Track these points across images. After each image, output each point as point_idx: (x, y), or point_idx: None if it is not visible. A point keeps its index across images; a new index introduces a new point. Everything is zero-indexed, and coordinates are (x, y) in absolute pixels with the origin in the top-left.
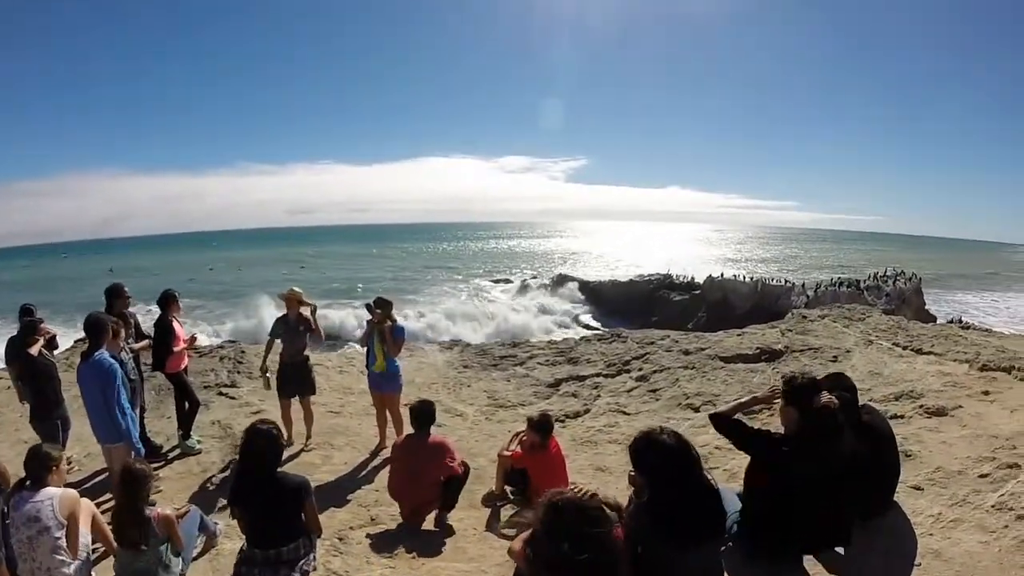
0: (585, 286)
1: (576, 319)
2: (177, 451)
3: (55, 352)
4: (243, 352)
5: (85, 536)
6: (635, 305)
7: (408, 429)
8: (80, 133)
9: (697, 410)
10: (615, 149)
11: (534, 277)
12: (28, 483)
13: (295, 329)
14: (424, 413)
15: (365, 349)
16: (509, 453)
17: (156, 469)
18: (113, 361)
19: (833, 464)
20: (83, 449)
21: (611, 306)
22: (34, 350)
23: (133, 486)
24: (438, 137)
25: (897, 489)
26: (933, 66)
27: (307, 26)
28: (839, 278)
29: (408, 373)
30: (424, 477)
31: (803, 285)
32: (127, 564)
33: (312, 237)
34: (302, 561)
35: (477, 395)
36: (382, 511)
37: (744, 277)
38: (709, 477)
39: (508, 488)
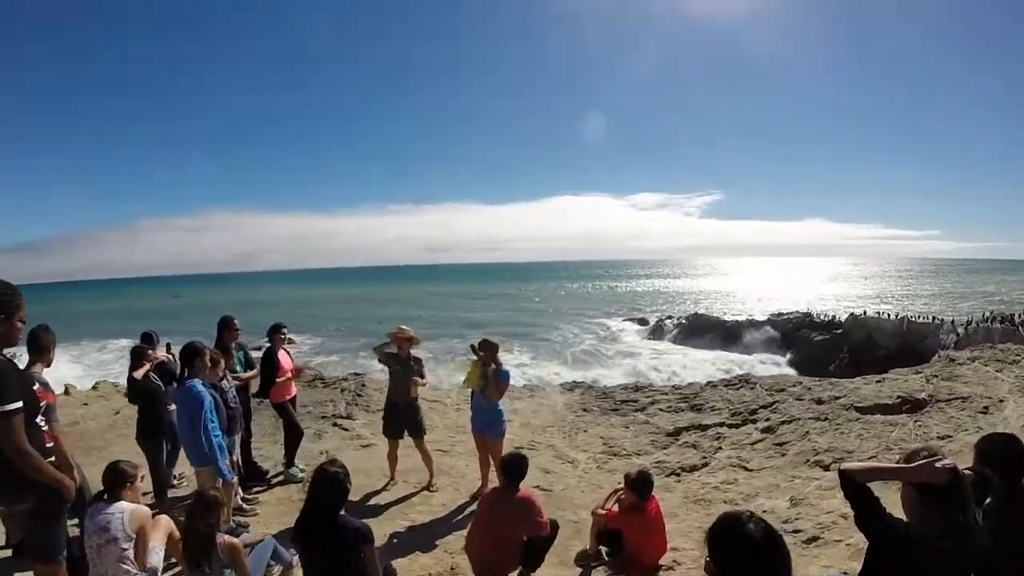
0: (721, 325)
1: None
2: (281, 477)
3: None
4: (363, 385)
5: (156, 552)
6: (774, 346)
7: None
8: (222, 173)
9: (827, 468)
10: (751, 182)
11: (669, 317)
12: (105, 496)
13: (405, 368)
14: (515, 467)
15: (471, 390)
16: (604, 512)
17: (257, 493)
18: (202, 389)
19: (958, 563)
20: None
21: (748, 347)
22: (138, 374)
23: (203, 511)
24: (569, 175)
25: None
26: None
27: (438, 73)
28: (991, 312)
29: (525, 415)
30: (504, 536)
31: (952, 321)
32: None
33: (446, 274)
34: None
35: (592, 441)
36: (465, 561)
37: (888, 314)
38: None
39: (602, 549)
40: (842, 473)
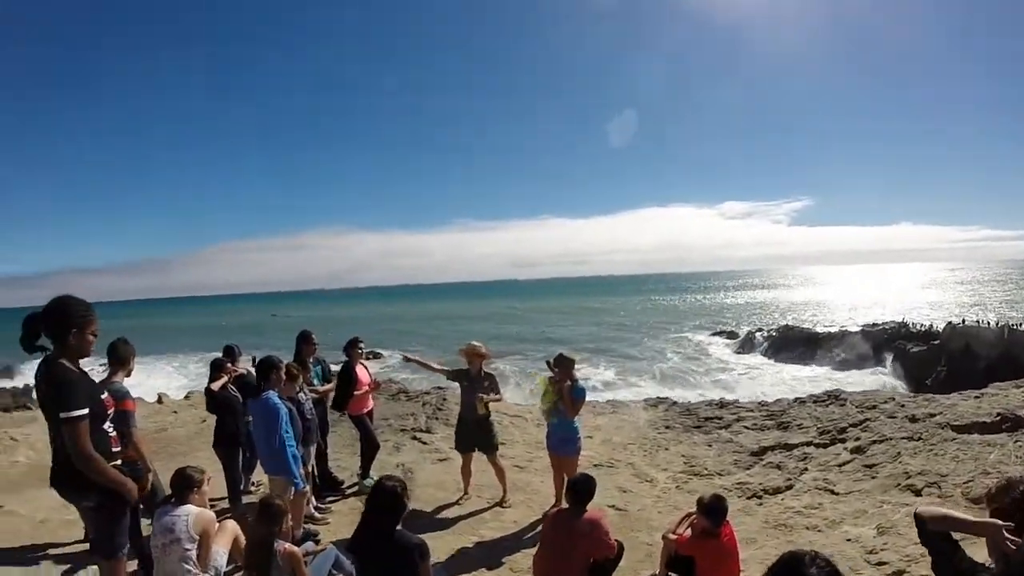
0: (813, 337)
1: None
2: (356, 488)
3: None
4: (444, 399)
5: (220, 555)
6: (867, 358)
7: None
8: (316, 196)
9: (919, 493)
10: (841, 185)
11: (758, 330)
12: (172, 499)
13: (476, 384)
14: (582, 489)
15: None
16: (675, 537)
17: (331, 502)
18: (278, 400)
19: None
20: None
21: (840, 359)
22: (215, 386)
23: (267, 519)
24: (654, 186)
25: None
26: None
27: (517, 95)
28: None
29: (607, 431)
30: (572, 557)
31: None
32: None
33: (531, 289)
34: None
35: (673, 459)
36: None
37: (988, 322)
38: None
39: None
40: (916, 517)
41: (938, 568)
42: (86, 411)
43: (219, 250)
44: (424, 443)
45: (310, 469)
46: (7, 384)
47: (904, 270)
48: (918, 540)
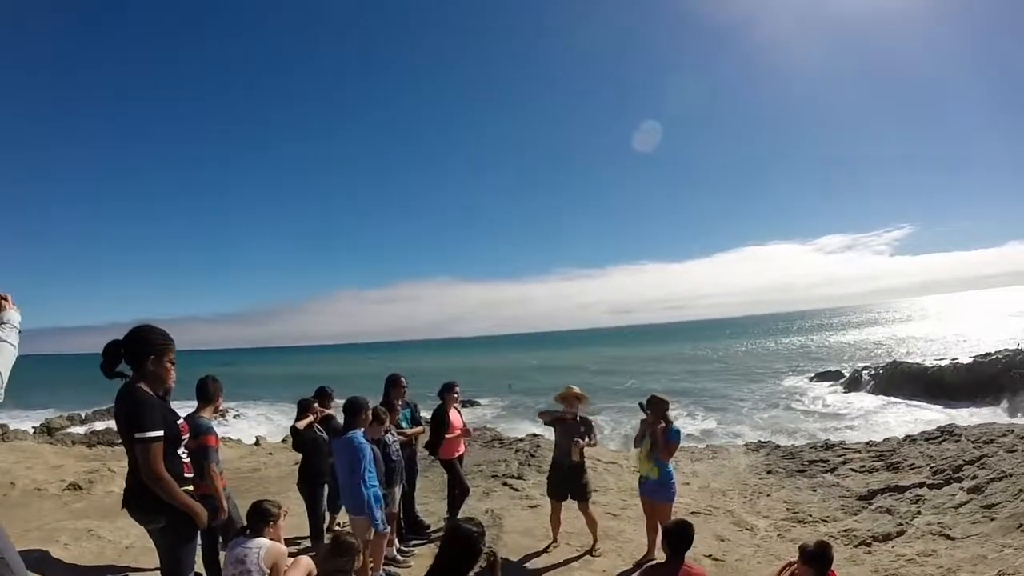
0: (923, 373)
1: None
2: (442, 532)
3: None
4: (538, 446)
5: None
6: (983, 391)
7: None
8: (415, 249)
9: None
10: (941, 209)
11: (865, 368)
12: (248, 531)
13: (572, 429)
14: (680, 536)
15: (637, 450)
16: None
17: (415, 546)
18: (363, 441)
19: None
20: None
21: (953, 393)
22: (300, 424)
23: (338, 554)
24: (750, 226)
25: None
26: None
27: (607, 136)
28: None
29: (705, 477)
30: None
31: None
32: None
33: (630, 337)
34: None
35: (775, 506)
36: None
37: None
38: None
39: None
40: None
41: None
42: (160, 433)
43: (318, 301)
44: (515, 489)
45: (395, 511)
46: (111, 422)
47: (1015, 293)
48: None
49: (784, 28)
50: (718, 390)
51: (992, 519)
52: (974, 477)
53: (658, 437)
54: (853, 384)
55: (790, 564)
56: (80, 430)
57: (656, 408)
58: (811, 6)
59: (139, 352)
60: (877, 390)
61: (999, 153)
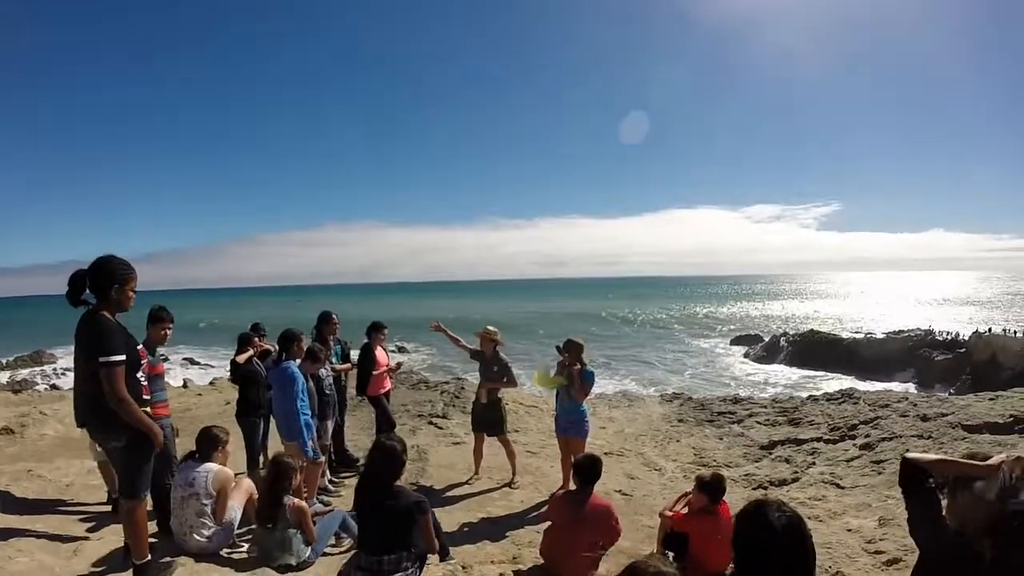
0: (837, 343)
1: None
2: None
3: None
4: (463, 388)
5: (234, 510)
6: (893, 365)
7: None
8: (341, 190)
9: None
10: (871, 191)
11: (783, 334)
12: (197, 456)
13: (488, 367)
14: (589, 468)
15: (554, 391)
16: (671, 514)
17: (345, 477)
18: (296, 370)
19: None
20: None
21: (866, 366)
22: (241, 358)
23: (277, 475)
24: (683, 188)
25: None
26: None
27: (541, 91)
28: None
29: (620, 423)
30: (579, 539)
31: None
32: (259, 539)
33: (560, 290)
34: (401, 574)
35: (683, 451)
36: (527, 552)
37: (1016, 332)
38: None
39: (667, 552)
40: (905, 463)
41: (916, 523)
42: (123, 357)
43: (239, 243)
44: (440, 428)
45: (327, 444)
46: (37, 368)
47: (934, 278)
48: None
49: None
50: (639, 352)
51: (879, 473)
52: (867, 436)
53: (575, 378)
54: (771, 349)
55: (686, 494)
56: (2, 378)
57: (572, 350)
58: None
59: (104, 281)
60: (793, 361)
61: (929, 145)
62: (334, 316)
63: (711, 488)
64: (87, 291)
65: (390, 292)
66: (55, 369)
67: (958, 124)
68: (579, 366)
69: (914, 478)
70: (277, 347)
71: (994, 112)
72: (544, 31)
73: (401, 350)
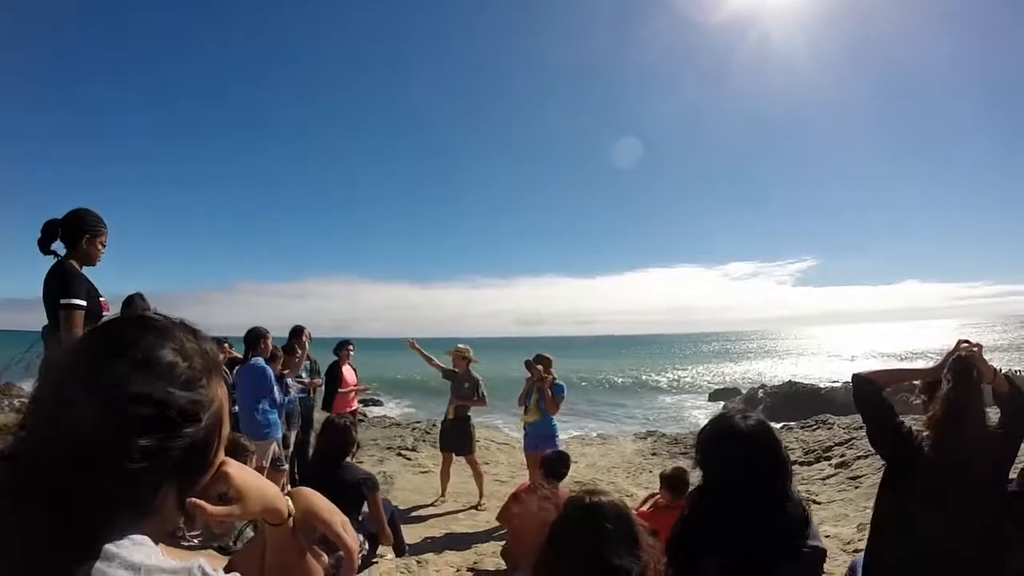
0: (816, 393)
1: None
2: None
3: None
4: (435, 425)
5: None
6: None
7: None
8: (322, 245)
9: None
10: (844, 246)
11: (762, 387)
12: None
13: (460, 383)
14: (557, 461)
15: (523, 408)
16: (636, 512)
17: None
18: (266, 365)
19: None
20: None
21: (844, 412)
22: None
23: (234, 454)
24: (660, 248)
25: None
26: None
27: (524, 151)
28: None
29: (592, 458)
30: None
31: None
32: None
33: (540, 347)
34: None
35: (656, 480)
36: (489, 559)
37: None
38: (800, 498)
39: None
40: (856, 378)
41: (879, 431)
42: (83, 303)
43: (217, 291)
44: (408, 459)
45: (289, 453)
46: (5, 400)
47: (912, 328)
48: None
49: (689, 39)
50: (618, 407)
51: (856, 487)
52: (842, 455)
53: (545, 391)
54: (750, 402)
55: (654, 494)
56: None
57: (542, 363)
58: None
59: (75, 231)
60: (773, 413)
61: (903, 195)
62: (306, 330)
63: (673, 482)
64: (58, 240)
65: (363, 347)
66: (23, 403)
67: (930, 177)
68: (550, 378)
69: (868, 394)
70: (243, 344)
71: (966, 163)
72: (513, 102)
73: (376, 404)
